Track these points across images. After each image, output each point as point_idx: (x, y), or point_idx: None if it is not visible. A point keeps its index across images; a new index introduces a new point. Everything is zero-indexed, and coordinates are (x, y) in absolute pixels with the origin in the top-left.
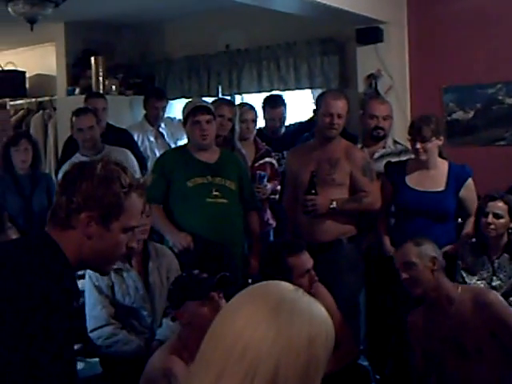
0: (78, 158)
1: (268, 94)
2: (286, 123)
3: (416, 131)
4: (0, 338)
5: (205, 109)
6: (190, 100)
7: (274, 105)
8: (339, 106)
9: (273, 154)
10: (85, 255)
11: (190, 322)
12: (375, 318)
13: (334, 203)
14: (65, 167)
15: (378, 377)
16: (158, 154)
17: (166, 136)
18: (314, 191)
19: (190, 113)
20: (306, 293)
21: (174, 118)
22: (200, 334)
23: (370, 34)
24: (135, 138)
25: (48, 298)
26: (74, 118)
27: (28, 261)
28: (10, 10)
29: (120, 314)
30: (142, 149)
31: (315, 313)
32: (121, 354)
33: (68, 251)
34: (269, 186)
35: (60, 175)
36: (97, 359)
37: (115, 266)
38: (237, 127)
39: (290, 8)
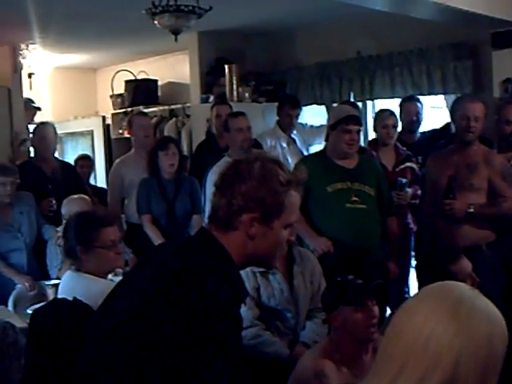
0: (226, 161)
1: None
2: (421, 129)
3: None
4: (171, 341)
5: (356, 119)
6: (341, 104)
7: (410, 99)
8: (476, 108)
9: (413, 158)
10: (249, 254)
11: (343, 326)
12: None
13: (472, 208)
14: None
15: None
16: (290, 161)
17: (297, 142)
18: (452, 195)
19: (341, 120)
20: None
21: (306, 123)
22: (352, 339)
23: (507, 37)
24: (268, 143)
25: (219, 300)
26: (230, 120)
27: (196, 263)
28: (156, 22)
29: (264, 316)
30: (274, 155)
31: (492, 312)
32: (264, 355)
33: (232, 252)
34: (409, 191)
35: (209, 178)
36: None
37: (261, 269)
38: None
39: (427, 15)
